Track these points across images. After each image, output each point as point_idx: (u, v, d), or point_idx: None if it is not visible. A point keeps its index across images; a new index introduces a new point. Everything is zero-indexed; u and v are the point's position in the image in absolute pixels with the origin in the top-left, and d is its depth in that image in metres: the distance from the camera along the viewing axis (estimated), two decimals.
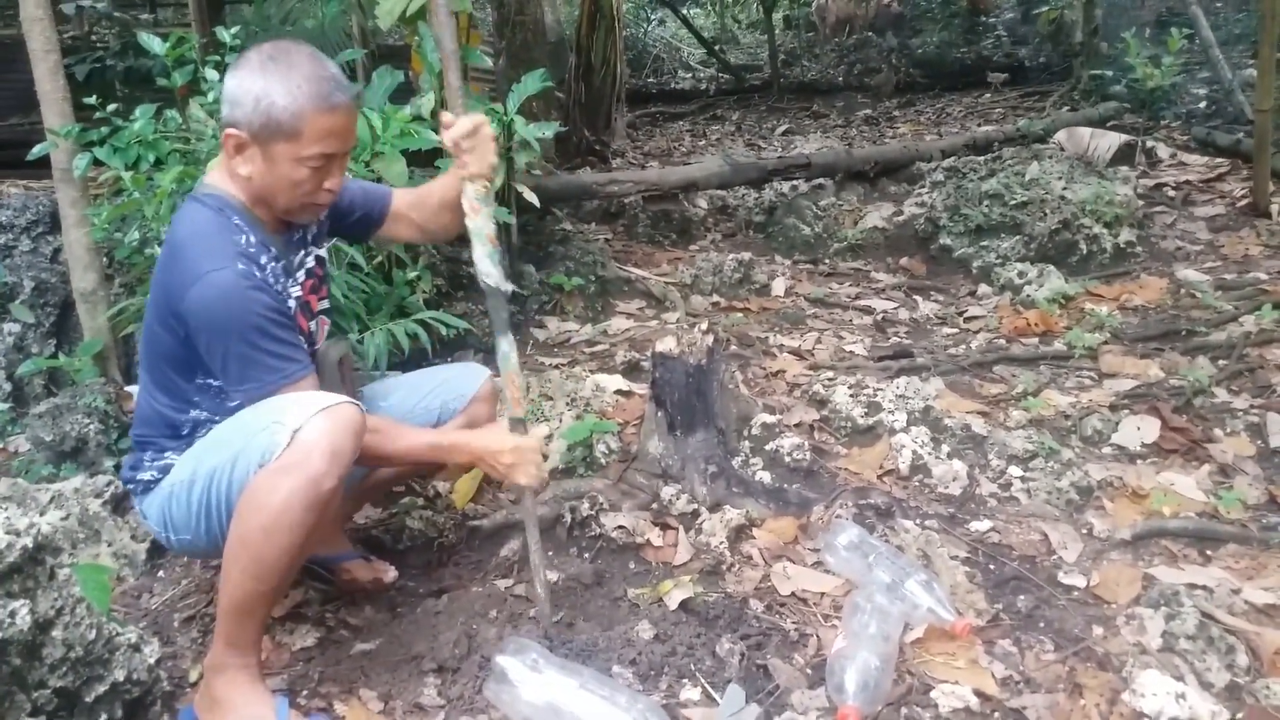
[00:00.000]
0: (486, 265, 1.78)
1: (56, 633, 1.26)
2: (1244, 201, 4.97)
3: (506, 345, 1.82)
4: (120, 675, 1.34)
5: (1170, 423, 2.75)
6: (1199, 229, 4.73)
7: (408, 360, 2.85)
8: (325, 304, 1.99)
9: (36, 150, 2.83)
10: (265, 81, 1.62)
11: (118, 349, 3.08)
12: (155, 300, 1.75)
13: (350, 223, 2.04)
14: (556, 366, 3.35)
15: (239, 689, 1.67)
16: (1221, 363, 3.16)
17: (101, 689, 1.31)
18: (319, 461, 1.58)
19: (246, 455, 1.63)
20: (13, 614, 1.17)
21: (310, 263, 1.92)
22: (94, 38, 6.86)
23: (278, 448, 1.59)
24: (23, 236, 3.34)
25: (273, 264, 1.77)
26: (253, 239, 1.73)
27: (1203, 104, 7.12)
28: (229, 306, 1.63)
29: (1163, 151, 6.00)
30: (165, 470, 1.80)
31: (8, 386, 3.12)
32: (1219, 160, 5.77)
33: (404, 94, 3.39)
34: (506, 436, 1.86)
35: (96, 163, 2.76)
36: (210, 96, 2.80)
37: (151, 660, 1.42)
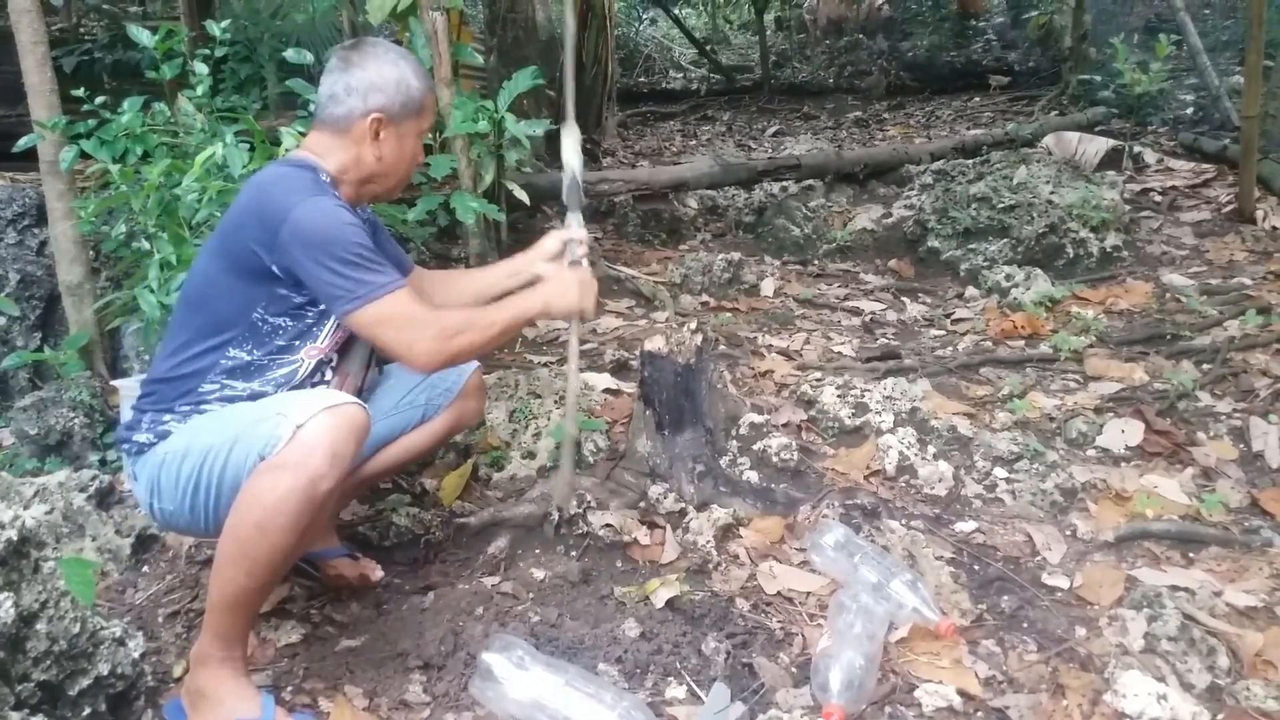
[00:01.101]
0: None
1: (40, 626, 1.26)
2: (1229, 207, 5.00)
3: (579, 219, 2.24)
4: (104, 669, 1.33)
5: (1154, 426, 2.77)
6: (1185, 234, 4.76)
7: None
8: None
9: (23, 142, 2.81)
10: (399, 69, 1.87)
11: (104, 343, 3.06)
12: (226, 241, 1.81)
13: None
14: (545, 364, 3.35)
15: (223, 683, 1.67)
16: (1205, 367, 3.18)
17: (85, 682, 1.31)
18: (319, 461, 1.60)
19: (245, 442, 1.65)
20: None
21: None
22: (82, 30, 6.81)
23: (279, 441, 1.61)
24: (8, 229, 3.32)
25: None
26: (339, 198, 1.84)
27: (1190, 110, 7.17)
28: (332, 222, 1.74)
29: (1149, 157, 6.03)
30: (162, 436, 1.80)
31: None
32: (1205, 166, 5.81)
33: None
34: (564, 275, 2.10)
35: (84, 155, 2.75)
36: (199, 90, 2.79)
37: (136, 654, 1.42)
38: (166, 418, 1.81)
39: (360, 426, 1.68)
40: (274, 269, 1.76)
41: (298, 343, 1.87)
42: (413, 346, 1.79)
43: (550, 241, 2.25)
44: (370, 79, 1.85)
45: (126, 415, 1.90)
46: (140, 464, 1.82)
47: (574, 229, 2.20)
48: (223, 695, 1.66)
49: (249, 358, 1.83)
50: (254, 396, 1.83)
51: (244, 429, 1.68)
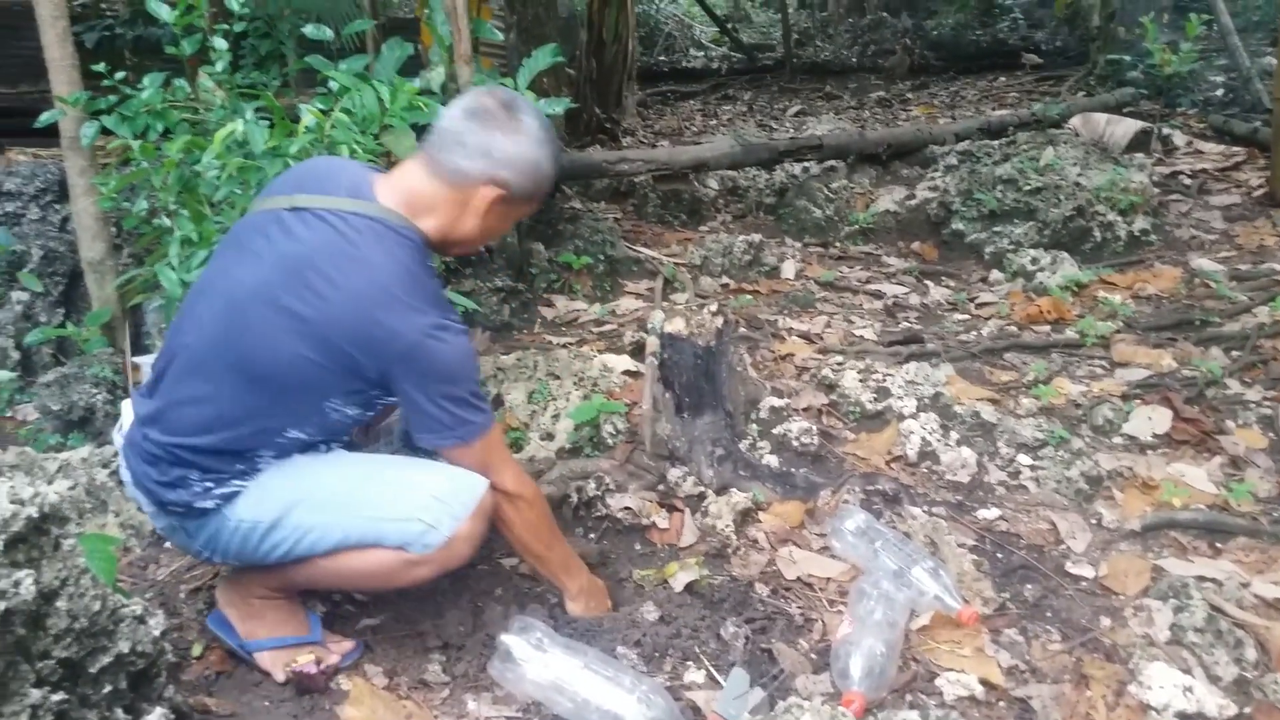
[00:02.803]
0: None
1: (61, 603, 1.26)
2: (1260, 191, 4.92)
3: None
4: (125, 647, 1.34)
5: (1182, 413, 2.72)
6: (1214, 218, 4.68)
7: None
8: None
9: (44, 118, 2.81)
10: (541, 152, 1.71)
11: (126, 319, 3.07)
12: (322, 329, 1.61)
13: None
14: (564, 345, 3.34)
15: (278, 609, 1.83)
16: (1235, 354, 3.13)
17: (106, 660, 1.31)
18: (462, 557, 1.73)
19: (371, 533, 1.67)
20: (17, 584, 1.16)
21: None
22: (104, 5, 6.82)
23: (429, 549, 1.67)
24: (31, 205, 3.33)
25: None
26: (431, 265, 1.75)
27: (1220, 91, 7.05)
28: (462, 359, 1.67)
29: (1179, 139, 5.93)
30: (228, 498, 1.69)
31: (16, 355, 3.12)
32: (1235, 149, 5.71)
33: (413, 67, 3.36)
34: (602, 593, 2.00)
35: (105, 131, 2.74)
36: (219, 66, 2.77)
37: (156, 632, 1.42)
38: (233, 480, 1.69)
39: (492, 510, 1.76)
40: (369, 374, 1.65)
41: (356, 423, 1.82)
42: (492, 472, 1.75)
43: None
44: (510, 152, 1.68)
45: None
46: (196, 525, 1.72)
47: None
48: (277, 620, 1.82)
49: (306, 438, 1.73)
50: (305, 447, 1.76)
51: (371, 523, 1.67)
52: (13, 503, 1.26)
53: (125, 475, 1.77)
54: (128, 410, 1.79)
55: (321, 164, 1.86)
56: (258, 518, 1.68)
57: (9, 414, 2.97)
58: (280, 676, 1.77)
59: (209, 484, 1.67)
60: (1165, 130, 5.85)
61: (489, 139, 1.67)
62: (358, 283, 1.61)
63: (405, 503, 1.68)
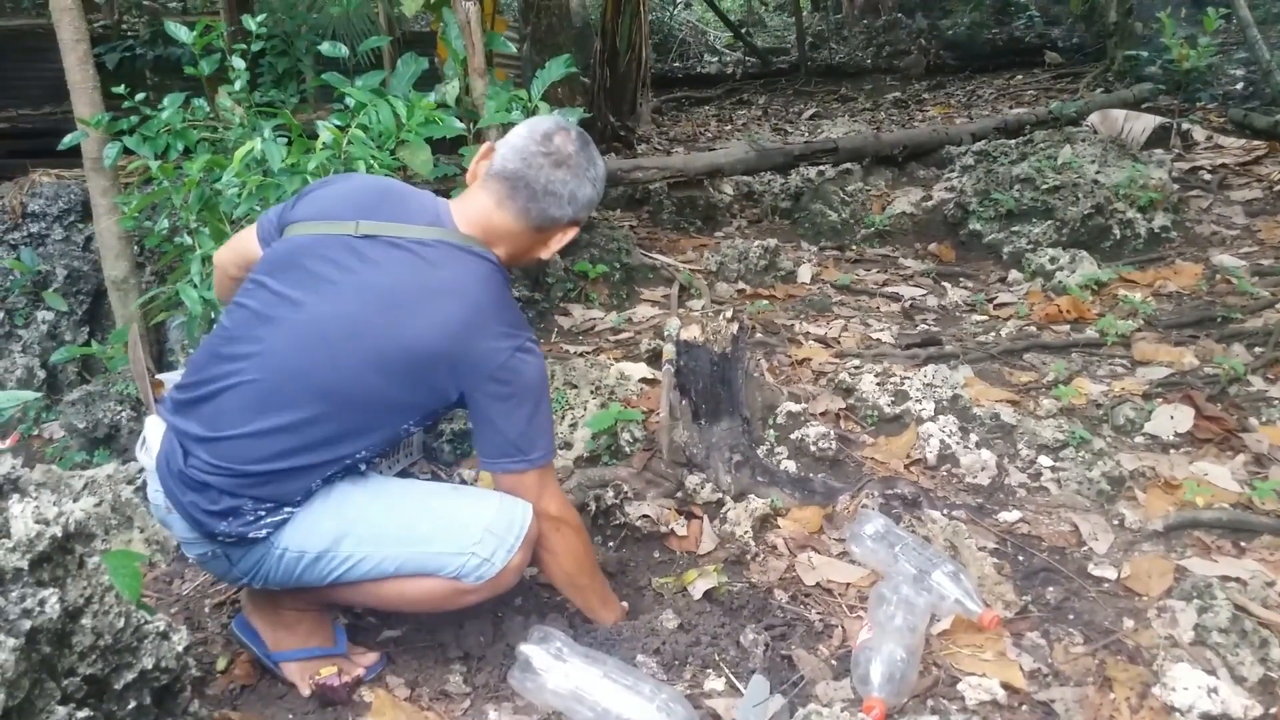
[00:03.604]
0: None
1: (86, 620, 1.28)
2: None
3: None
4: (149, 663, 1.35)
5: (1204, 411, 2.70)
6: (1235, 213, 4.64)
7: None
8: None
9: (67, 140, 2.86)
10: (602, 189, 1.81)
11: (149, 336, 3.11)
12: (408, 356, 1.63)
13: None
14: (581, 354, 3.35)
15: (307, 620, 1.83)
16: (1258, 350, 3.10)
17: (130, 676, 1.33)
18: (507, 585, 1.76)
19: (429, 564, 1.69)
20: (42, 602, 1.18)
21: None
22: (124, 26, 6.92)
23: (484, 578, 1.70)
24: (55, 225, 3.39)
25: None
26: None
27: (1240, 85, 6.98)
28: (544, 378, 1.73)
29: (1198, 134, 5.88)
30: (278, 526, 1.66)
31: (42, 374, 3.18)
32: (1256, 143, 5.65)
33: (429, 81, 3.39)
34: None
35: (126, 151, 2.79)
36: (237, 85, 2.81)
37: (180, 648, 1.44)
38: (286, 509, 1.66)
39: (537, 535, 1.78)
40: (452, 396, 1.69)
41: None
42: (545, 499, 1.78)
43: None
44: (590, 195, 1.77)
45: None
46: (243, 553, 1.68)
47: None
48: (307, 632, 1.83)
49: (367, 454, 1.72)
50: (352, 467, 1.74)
51: (428, 557, 1.68)
52: (37, 523, 1.28)
53: (156, 498, 1.70)
54: (153, 427, 1.73)
55: (379, 188, 1.80)
56: (305, 547, 1.67)
57: (36, 432, 3.02)
58: (305, 690, 1.79)
59: (262, 513, 1.64)
60: (1184, 125, 5.81)
61: (578, 188, 1.74)
62: (450, 310, 1.64)
63: (460, 536, 1.69)
